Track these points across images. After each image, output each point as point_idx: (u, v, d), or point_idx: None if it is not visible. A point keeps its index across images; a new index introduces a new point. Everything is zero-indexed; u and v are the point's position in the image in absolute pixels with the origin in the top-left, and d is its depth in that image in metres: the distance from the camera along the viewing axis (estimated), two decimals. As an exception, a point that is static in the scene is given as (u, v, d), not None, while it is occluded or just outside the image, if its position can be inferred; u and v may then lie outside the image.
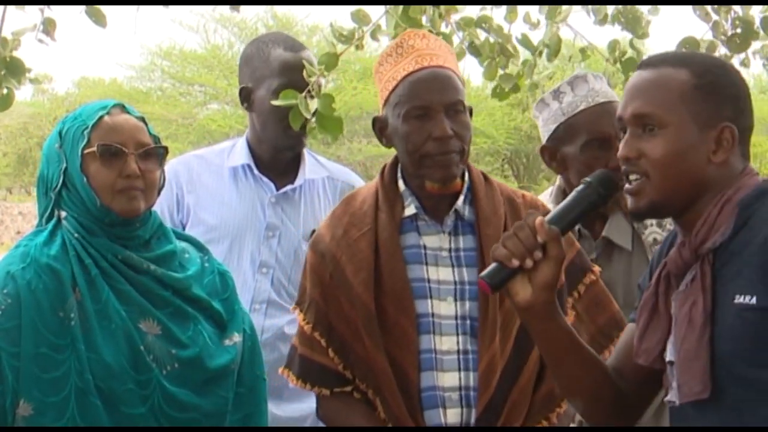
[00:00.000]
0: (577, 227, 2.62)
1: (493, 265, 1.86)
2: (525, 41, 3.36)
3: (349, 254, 2.36)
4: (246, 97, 2.99)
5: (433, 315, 2.32)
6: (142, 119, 2.29)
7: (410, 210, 2.36)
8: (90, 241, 2.23)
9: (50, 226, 2.26)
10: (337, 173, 3.09)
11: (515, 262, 1.83)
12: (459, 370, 2.30)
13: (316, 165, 3.06)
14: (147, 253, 2.28)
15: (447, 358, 2.30)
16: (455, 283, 2.33)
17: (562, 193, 2.73)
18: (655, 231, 2.65)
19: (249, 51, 3.03)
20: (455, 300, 2.32)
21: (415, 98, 2.31)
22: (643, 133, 1.85)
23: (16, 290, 2.16)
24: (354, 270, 2.34)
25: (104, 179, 2.21)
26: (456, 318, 2.32)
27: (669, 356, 1.82)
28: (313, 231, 2.95)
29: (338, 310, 2.37)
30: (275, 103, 2.82)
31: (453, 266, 2.34)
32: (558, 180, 2.79)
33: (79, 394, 2.15)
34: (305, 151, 3.05)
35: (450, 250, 2.35)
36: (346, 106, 20.79)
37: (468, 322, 2.31)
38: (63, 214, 2.25)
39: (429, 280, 2.33)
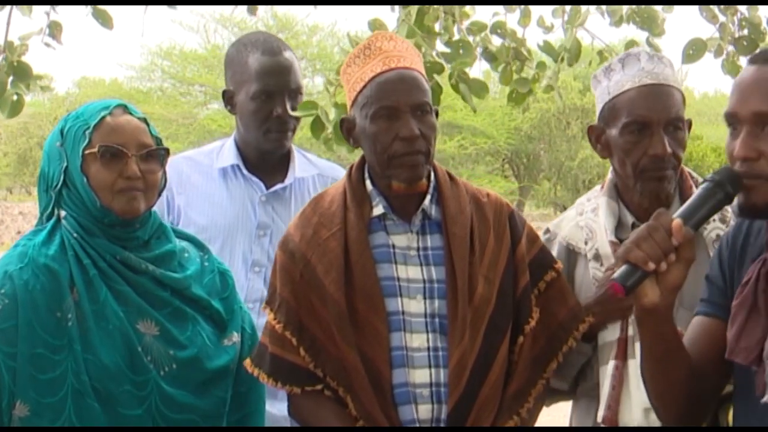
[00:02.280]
0: (630, 221, 2.53)
1: (624, 266, 1.79)
2: (547, 48, 3.35)
3: (320, 254, 2.37)
4: (228, 100, 2.99)
5: (403, 313, 2.33)
6: (144, 120, 2.27)
7: (378, 210, 2.38)
8: (89, 242, 2.21)
9: (49, 225, 2.24)
10: (327, 170, 3.08)
11: (651, 266, 1.77)
12: (429, 366, 2.31)
13: (306, 163, 3.04)
14: (146, 254, 2.27)
15: (417, 355, 2.31)
16: (424, 281, 2.35)
17: (615, 187, 2.58)
18: (717, 227, 2.47)
19: (230, 53, 3.01)
20: (424, 298, 2.33)
21: (382, 99, 2.32)
22: (761, 133, 1.79)
23: (14, 290, 2.14)
24: (325, 269, 2.35)
25: (104, 180, 2.19)
26: (425, 316, 2.33)
27: None
28: None
29: (309, 309, 2.37)
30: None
31: (421, 265, 2.36)
32: (609, 173, 2.62)
33: (76, 395, 2.14)
34: (294, 149, 3.04)
35: (418, 249, 2.37)
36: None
37: (437, 319, 2.32)
38: (63, 213, 2.24)
39: (398, 279, 2.35)
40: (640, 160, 2.45)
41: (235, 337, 2.35)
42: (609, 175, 2.61)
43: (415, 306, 2.33)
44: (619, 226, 2.53)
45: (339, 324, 2.32)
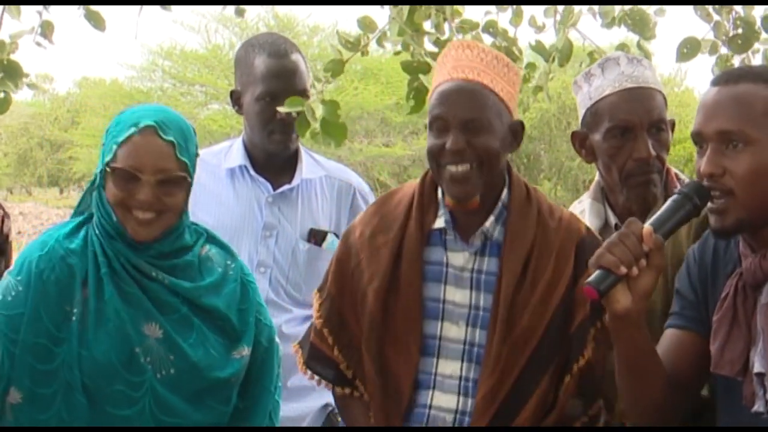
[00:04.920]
0: (614, 222, 2.56)
1: (598, 271, 1.86)
2: (538, 48, 3.34)
3: (370, 258, 2.35)
4: (236, 100, 3.02)
5: (441, 338, 2.30)
6: (173, 143, 2.24)
7: (440, 223, 2.33)
8: (107, 242, 2.24)
9: (79, 219, 2.29)
10: (335, 172, 3.09)
11: (623, 270, 1.83)
12: (458, 394, 2.28)
13: (314, 164, 3.06)
14: (162, 262, 2.28)
15: (448, 381, 2.29)
16: (470, 307, 2.30)
17: (601, 189, 2.62)
18: None
19: (238, 54, 3.04)
20: (467, 325, 2.29)
21: (434, 109, 2.28)
22: (726, 150, 1.87)
23: (29, 279, 2.19)
24: (370, 276, 2.34)
25: (115, 197, 2.21)
26: (464, 343, 2.29)
27: (758, 368, 1.82)
28: (311, 230, 2.96)
29: (353, 306, 2.37)
30: (281, 109, 2.82)
31: (471, 288, 2.31)
32: (596, 175, 2.66)
33: (67, 389, 2.15)
34: (302, 150, 3.05)
35: (473, 270, 2.31)
36: (347, 106, 20.74)
37: (475, 349, 2.28)
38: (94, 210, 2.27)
39: (445, 301, 2.31)
40: (625, 165, 2.48)
41: (245, 351, 2.33)
42: (596, 178, 2.65)
43: (455, 332, 2.29)
44: (605, 228, 2.55)
45: (368, 334, 2.32)
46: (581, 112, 2.59)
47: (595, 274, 1.87)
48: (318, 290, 2.48)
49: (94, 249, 2.23)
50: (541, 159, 28.60)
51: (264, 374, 2.41)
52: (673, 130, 2.59)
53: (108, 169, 2.22)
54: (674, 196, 1.95)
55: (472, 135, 2.24)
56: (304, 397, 2.74)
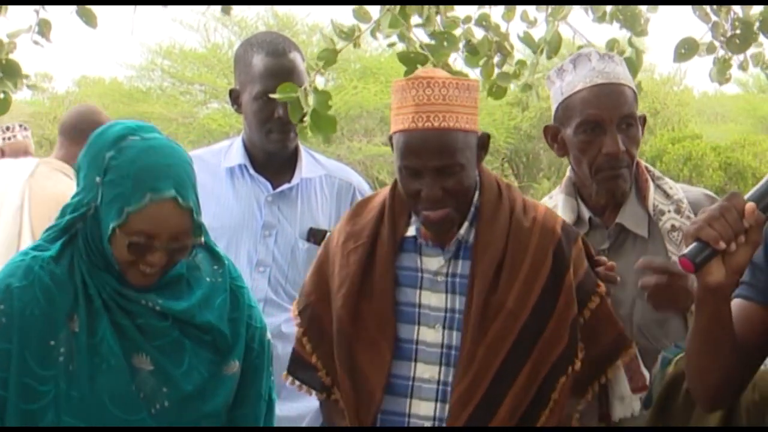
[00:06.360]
0: (587, 216, 2.59)
1: (695, 244, 1.82)
2: (527, 39, 3.34)
3: (341, 265, 2.34)
4: (235, 99, 3.02)
5: (417, 342, 2.29)
6: (191, 210, 2.09)
7: (412, 231, 2.33)
8: (93, 272, 2.11)
9: (65, 238, 2.13)
10: (335, 171, 3.09)
11: (722, 245, 1.81)
12: (436, 400, 2.27)
13: (314, 163, 3.06)
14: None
15: (426, 386, 2.27)
16: (446, 310, 2.29)
17: (573, 184, 2.64)
18: (672, 217, 2.53)
19: (238, 53, 3.04)
20: (443, 328, 2.28)
21: (403, 158, 2.26)
22: None
23: (11, 311, 2.03)
24: (339, 282, 2.33)
25: (124, 257, 2.07)
26: (442, 347, 2.28)
27: None
28: (310, 229, 2.96)
29: (330, 312, 2.37)
30: (274, 96, 2.81)
31: (447, 292, 2.30)
32: (568, 170, 2.68)
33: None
34: (302, 149, 3.05)
35: (447, 274, 2.31)
36: (346, 105, 20.75)
37: (453, 352, 2.26)
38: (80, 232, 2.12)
39: (420, 305, 2.30)
40: (595, 159, 2.52)
41: (236, 367, 2.23)
42: (567, 173, 2.67)
43: (432, 335, 2.28)
44: (578, 222, 2.58)
45: (337, 338, 2.31)
46: (554, 107, 2.62)
47: (692, 247, 1.83)
48: (297, 300, 2.48)
49: (83, 278, 2.08)
50: (541, 158, 28.57)
51: (257, 379, 2.31)
52: (644, 126, 2.63)
53: (117, 230, 2.04)
54: None
55: (446, 179, 2.22)
56: (303, 397, 2.72)
